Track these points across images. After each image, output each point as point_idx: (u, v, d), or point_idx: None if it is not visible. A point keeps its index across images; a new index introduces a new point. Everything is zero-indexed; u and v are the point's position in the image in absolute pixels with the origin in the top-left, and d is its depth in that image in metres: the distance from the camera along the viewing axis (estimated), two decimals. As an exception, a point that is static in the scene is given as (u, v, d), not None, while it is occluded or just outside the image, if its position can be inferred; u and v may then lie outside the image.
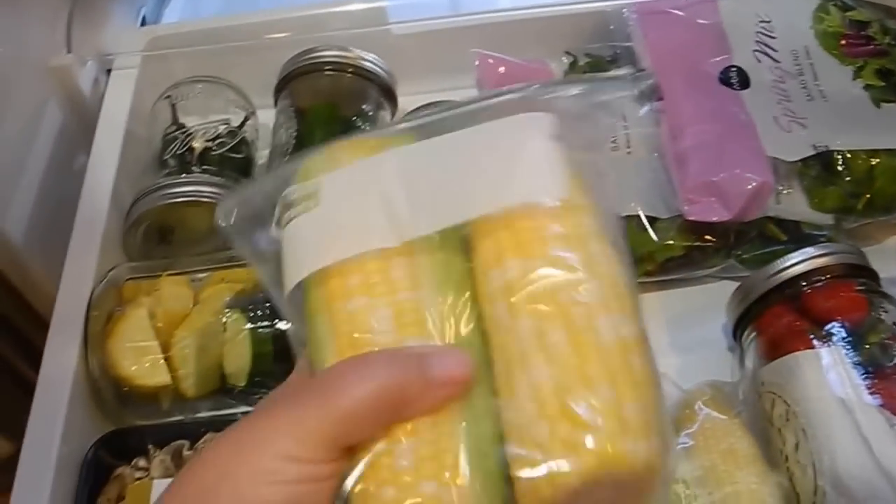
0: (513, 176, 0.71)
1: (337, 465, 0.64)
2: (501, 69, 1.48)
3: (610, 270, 0.68)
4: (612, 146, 1.36)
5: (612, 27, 1.52)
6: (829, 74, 1.38)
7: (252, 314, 1.20)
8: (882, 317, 1.09)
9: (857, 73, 1.37)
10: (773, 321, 1.13)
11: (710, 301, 1.28)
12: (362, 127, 1.41)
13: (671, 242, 1.29)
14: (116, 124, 1.44)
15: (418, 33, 1.57)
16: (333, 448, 0.64)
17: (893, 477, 0.95)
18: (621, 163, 1.35)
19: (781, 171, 1.29)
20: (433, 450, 0.64)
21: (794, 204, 1.30)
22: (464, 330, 0.69)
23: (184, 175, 1.35)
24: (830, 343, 1.06)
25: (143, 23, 1.65)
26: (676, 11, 1.47)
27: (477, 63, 1.49)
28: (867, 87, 1.35)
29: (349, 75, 1.44)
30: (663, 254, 1.29)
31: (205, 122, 1.43)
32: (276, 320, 1.20)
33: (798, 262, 1.14)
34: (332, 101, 1.44)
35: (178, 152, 1.38)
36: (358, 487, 0.64)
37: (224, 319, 1.21)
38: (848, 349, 1.04)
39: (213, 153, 1.39)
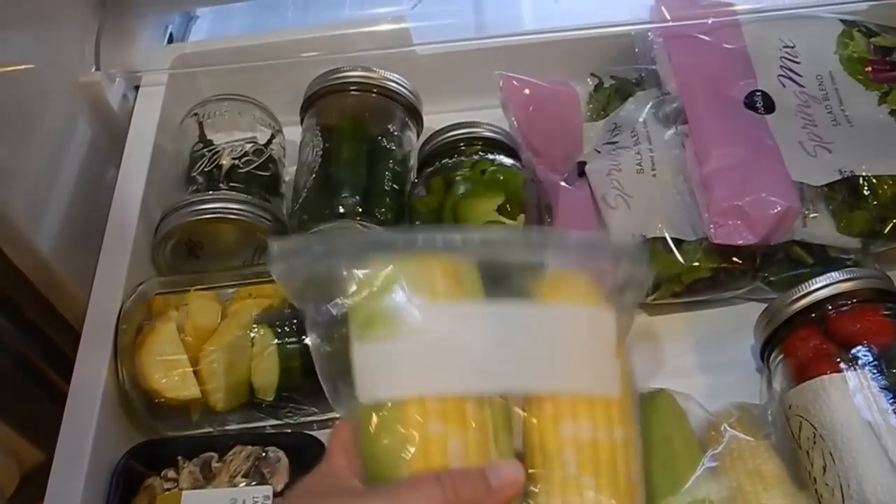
0: (582, 367, 0.93)
1: None
2: (526, 91, 1.48)
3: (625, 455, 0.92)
4: (637, 168, 1.37)
5: (637, 50, 1.53)
6: (855, 99, 1.38)
7: (279, 329, 1.21)
8: (911, 340, 1.09)
9: (883, 99, 1.37)
10: (800, 344, 1.13)
11: (738, 322, 1.27)
12: (387, 146, 1.42)
13: (697, 264, 1.29)
14: (145, 140, 1.45)
15: (443, 54, 1.58)
16: None
17: (921, 500, 0.96)
18: (647, 185, 1.36)
19: (807, 194, 1.30)
20: None
21: (821, 227, 1.30)
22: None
23: (211, 192, 1.36)
24: (857, 367, 1.06)
25: (171, 40, 1.66)
26: (701, 35, 1.47)
27: (501, 85, 1.49)
28: (893, 113, 1.36)
29: (374, 95, 1.45)
30: (690, 276, 1.30)
31: (231, 139, 1.43)
32: (303, 336, 1.20)
33: (824, 286, 1.14)
34: (358, 120, 1.44)
35: (206, 169, 1.39)
36: None
37: (252, 334, 1.21)
38: (875, 373, 1.04)
39: (241, 171, 1.39)
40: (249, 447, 1.18)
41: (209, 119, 1.46)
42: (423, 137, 1.49)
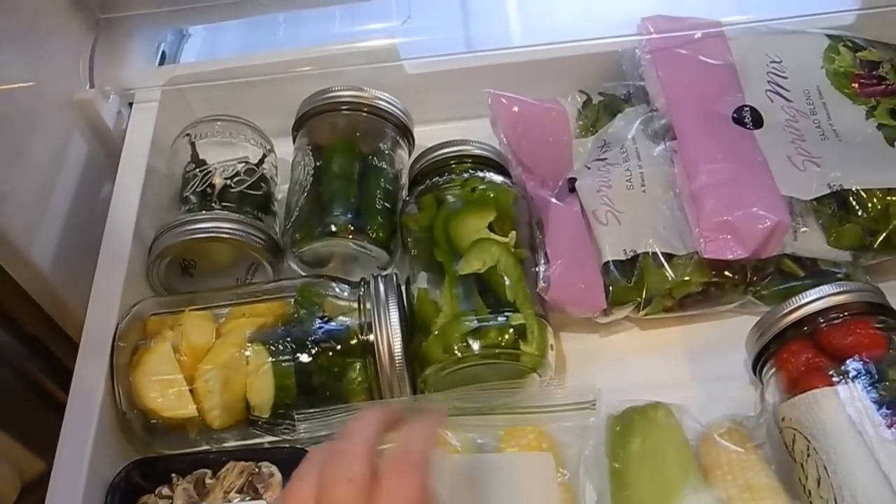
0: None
1: None
2: (515, 108, 1.49)
3: None
4: (627, 184, 1.38)
5: (624, 66, 1.54)
6: (842, 114, 1.39)
7: (273, 348, 1.22)
8: (903, 353, 1.10)
9: (870, 113, 1.39)
10: (792, 357, 1.14)
11: (731, 335, 1.28)
12: (379, 165, 1.42)
13: (688, 279, 1.30)
14: (138, 160, 1.46)
15: (432, 72, 1.59)
16: None
17: (916, 513, 0.97)
18: (637, 201, 1.37)
19: (797, 208, 1.31)
20: None
21: (811, 241, 1.31)
22: None
23: (204, 211, 1.37)
24: (849, 380, 1.06)
25: (163, 57, 1.67)
26: (689, 52, 1.48)
27: (490, 102, 1.49)
28: (880, 127, 1.37)
29: (365, 114, 1.45)
30: (681, 290, 1.31)
31: (223, 159, 1.44)
32: (298, 354, 1.21)
33: (815, 299, 1.15)
34: (349, 139, 1.45)
35: (199, 189, 1.39)
36: None
37: (246, 353, 1.22)
38: (867, 386, 1.05)
39: (233, 190, 1.40)
40: (243, 463, 1.18)
41: (201, 139, 1.46)
42: (414, 155, 1.49)
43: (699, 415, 1.17)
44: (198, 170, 1.42)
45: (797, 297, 1.16)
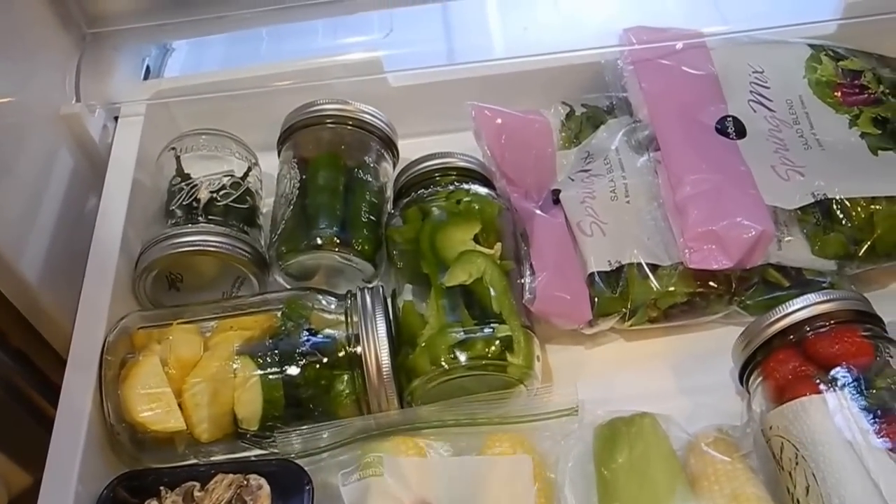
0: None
1: None
2: (499, 121, 1.49)
3: None
4: (611, 195, 1.38)
5: (607, 78, 1.54)
6: (825, 123, 1.40)
7: (261, 360, 1.22)
8: (889, 361, 1.10)
9: (853, 122, 1.39)
10: (779, 366, 1.14)
11: (716, 345, 1.28)
12: (364, 178, 1.42)
13: (673, 289, 1.30)
14: (124, 175, 1.46)
15: (415, 84, 1.59)
16: None
17: (905, 521, 0.97)
18: (621, 212, 1.37)
19: (781, 218, 1.32)
20: None
21: (796, 251, 1.31)
22: None
23: (190, 225, 1.37)
24: (836, 388, 1.06)
25: (148, 71, 1.67)
26: (671, 63, 1.48)
27: (473, 115, 1.50)
28: (864, 136, 1.38)
29: (350, 128, 1.46)
30: (666, 301, 1.31)
31: (209, 173, 1.44)
32: (285, 366, 1.21)
33: (801, 307, 1.15)
34: (334, 153, 1.45)
35: (184, 203, 1.39)
36: None
37: (234, 366, 1.22)
38: (854, 394, 1.05)
39: (218, 203, 1.40)
40: (231, 475, 1.17)
41: (186, 153, 1.47)
42: (399, 168, 1.49)
43: (685, 425, 1.17)
44: (183, 183, 1.42)
45: (783, 306, 1.16)
